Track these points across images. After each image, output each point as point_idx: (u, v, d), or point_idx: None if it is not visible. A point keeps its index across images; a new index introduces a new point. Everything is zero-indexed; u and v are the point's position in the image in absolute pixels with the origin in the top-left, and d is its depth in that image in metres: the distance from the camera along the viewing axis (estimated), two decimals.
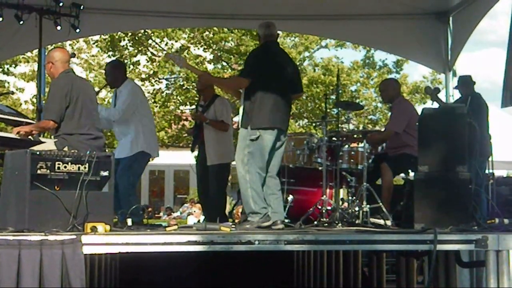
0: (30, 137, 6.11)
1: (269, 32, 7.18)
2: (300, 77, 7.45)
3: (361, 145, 7.82)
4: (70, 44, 21.10)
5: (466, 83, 8.94)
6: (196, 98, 20.56)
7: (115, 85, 8.20)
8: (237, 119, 7.06)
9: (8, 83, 23.78)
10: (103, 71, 22.41)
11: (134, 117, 8.03)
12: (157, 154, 8.43)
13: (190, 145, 9.50)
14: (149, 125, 8.28)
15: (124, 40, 22.00)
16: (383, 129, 9.30)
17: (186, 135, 22.71)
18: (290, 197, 7.79)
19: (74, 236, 4.81)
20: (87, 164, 5.53)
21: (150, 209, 24.16)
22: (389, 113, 8.38)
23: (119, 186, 7.56)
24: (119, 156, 7.90)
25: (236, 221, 8.90)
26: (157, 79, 23.00)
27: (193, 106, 22.45)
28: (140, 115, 8.09)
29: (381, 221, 7.23)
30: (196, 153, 9.24)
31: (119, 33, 20.61)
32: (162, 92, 23.27)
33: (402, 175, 8.11)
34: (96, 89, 9.96)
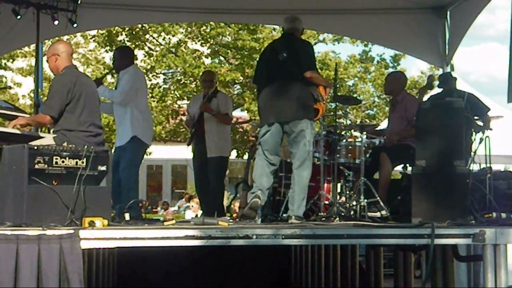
0: (28, 131, 6.11)
1: (284, 28, 7.37)
2: (302, 57, 6.96)
3: (358, 139, 7.83)
4: (67, 39, 21.07)
5: (446, 79, 8.92)
6: (194, 93, 20.69)
7: (120, 69, 8.24)
8: (237, 114, 7.12)
9: (6, 78, 23.77)
10: (101, 66, 22.52)
11: (132, 101, 8.06)
12: (150, 143, 8.45)
13: (188, 139, 9.54)
14: (146, 113, 8.26)
15: (121, 35, 21.96)
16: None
17: (183, 129, 22.72)
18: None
19: (72, 231, 4.81)
20: (84, 158, 5.53)
21: (146, 203, 24.15)
22: (396, 107, 8.29)
23: (122, 180, 7.58)
24: (120, 143, 7.93)
25: (234, 215, 8.92)
26: (155, 73, 22.97)
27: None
28: (139, 100, 8.11)
29: (378, 214, 7.24)
30: (191, 147, 9.29)
31: (117, 28, 20.59)
32: (160, 87, 23.25)
33: (400, 169, 8.12)
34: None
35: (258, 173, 6.91)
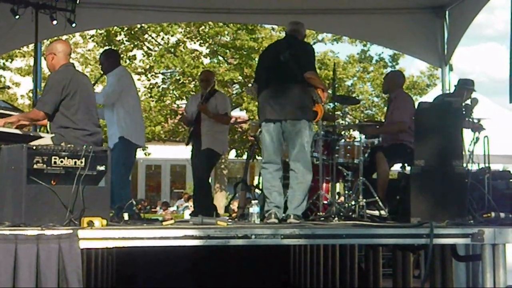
0: (27, 130, 6.10)
1: (287, 30, 7.39)
2: (302, 58, 6.99)
3: (357, 139, 7.83)
4: (66, 39, 21.06)
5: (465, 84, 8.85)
6: (193, 92, 20.69)
7: (107, 72, 8.34)
8: (236, 113, 7.11)
9: (4, 77, 23.77)
10: (99, 66, 22.60)
11: (118, 102, 8.06)
12: (143, 144, 8.43)
13: (186, 138, 9.55)
14: (134, 114, 8.21)
15: (120, 34, 21.99)
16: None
17: (182, 129, 22.74)
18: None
19: (70, 231, 4.81)
20: (83, 158, 5.52)
21: (145, 203, 24.15)
22: (388, 106, 8.32)
23: (112, 179, 7.56)
24: (110, 145, 7.94)
25: (233, 215, 8.92)
26: (153, 73, 22.98)
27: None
28: (124, 101, 8.10)
29: (376, 212, 7.24)
30: (191, 146, 9.31)
31: (115, 27, 20.59)
32: (158, 87, 23.26)
33: (399, 169, 8.11)
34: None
35: (272, 190, 6.84)
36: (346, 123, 8.47)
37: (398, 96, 8.11)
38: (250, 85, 8.48)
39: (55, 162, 5.43)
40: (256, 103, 7.46)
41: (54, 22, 9.10)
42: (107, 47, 21.64)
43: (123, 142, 7.98)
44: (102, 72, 8.80)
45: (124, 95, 8.13)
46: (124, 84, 8.22)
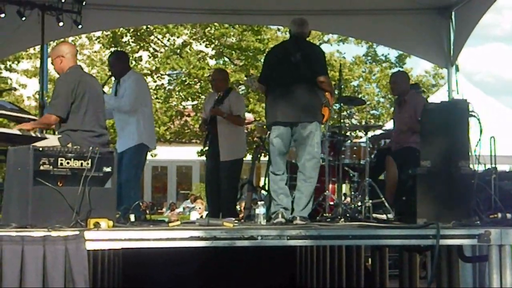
0: (32, 133, 6.11)
1: (292, 31, 7.27)
2: (315, 61, 7.00)
3: (363, 139, 7.83)
4: (72, 40, 21.13)
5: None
6: (199, 94, 20.71)
7: (119, 76, 8.20)
8: (248, 115, 7.08)
9: (11, 79, 23.83)
10: (106, 67, 22.64)
11: (138, 108, 8.05)
12: (155, 146, 8.45)
13: (203, 140, 9.50)
14: (150, 117, 8.28)
15: (126, 36, 22.03)
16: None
17: (188, 130, 22.75)
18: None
19: (77, 232, 4.82)
20: (90, 160, 5.53)
21: (152, 204, 24.15)
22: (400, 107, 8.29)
23: (122, 180, 7.56)
24: (123, 149, 7.91)
25: (241, 215, 8.92)
26: (159, 75, 23.02)
27: (195, 102, 22.51)
28: (143, 106, 8.10)
29: (384, 216, 7.23)
30: (199, 148, 9.29)
31: (121, 29, 20.63)
32: (164, 88, 23.29)
33: None
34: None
35: (279, 192, 6.81)
36: (352, 123, 8.47)
37: (414, 97, 8.14)
38: (252, 75, 8.38)
39: (61, 164, 5.43)
40: (263, 104, 7.44)
41: (61, 24, 9.13)
42: (113, 49, 21.73)
43: (139, 146, 7.99)
44: (110, 74, 8.69)
45: (144, 100, 8.14)
46: (144, 89, 8.28)
